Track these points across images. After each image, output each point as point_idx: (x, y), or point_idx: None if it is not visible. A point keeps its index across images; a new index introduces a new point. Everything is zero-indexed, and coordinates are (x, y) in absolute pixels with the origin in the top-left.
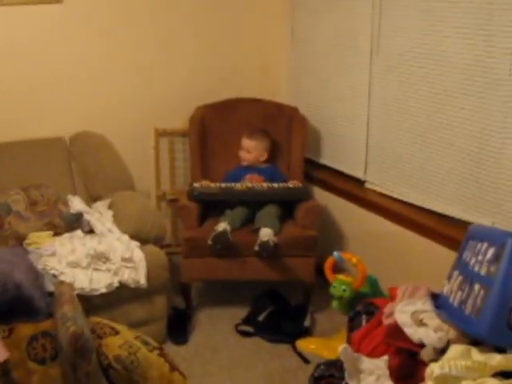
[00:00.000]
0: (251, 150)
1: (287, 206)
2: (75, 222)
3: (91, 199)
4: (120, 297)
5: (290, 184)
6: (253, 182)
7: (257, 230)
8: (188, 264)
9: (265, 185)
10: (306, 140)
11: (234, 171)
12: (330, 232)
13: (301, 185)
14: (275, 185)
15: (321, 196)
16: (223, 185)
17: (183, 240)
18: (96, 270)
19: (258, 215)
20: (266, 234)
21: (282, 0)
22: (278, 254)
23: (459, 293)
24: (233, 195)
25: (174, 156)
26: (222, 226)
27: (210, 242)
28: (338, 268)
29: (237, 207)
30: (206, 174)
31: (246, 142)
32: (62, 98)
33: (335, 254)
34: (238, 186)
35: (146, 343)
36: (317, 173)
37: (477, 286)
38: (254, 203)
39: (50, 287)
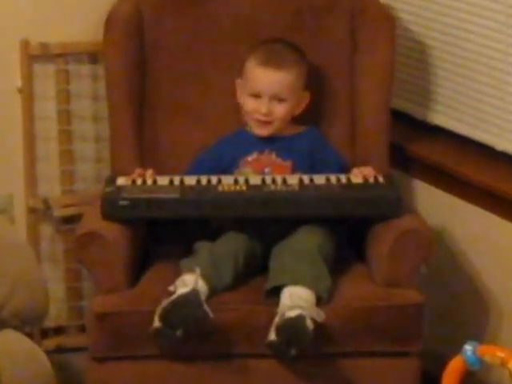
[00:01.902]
0: (282, 93)
1: (345, 226)
2: None
3: None
4: None
5: (356, 175)
6: (267, 174)
7: (274, 291)
8: (103, 374)
9: (294, 179)
10: (392, 70)
11: (222, 146)
12: (452, 289)
13: (381, 179)
14: (318, 179)
15: (428, 202)
16: (190, 181)
17: (92, 319)
18: None
19: (275, 252)
20: (296, 301)
21: None
22: (327, 351)
23: None
24: (215, 208)
25: (67, 114)
26: (189, 282)
27: (156, 325)
28: (471, 377)
29: (226, 234)
30: (149, 156)
31: (267, 77)
32: None
33: (467, 349)
34: (227, 182)
35: None
36: (418, 147)
37: None
38: (266, 224)
39: None
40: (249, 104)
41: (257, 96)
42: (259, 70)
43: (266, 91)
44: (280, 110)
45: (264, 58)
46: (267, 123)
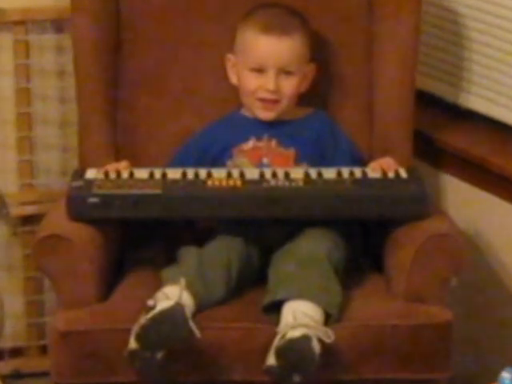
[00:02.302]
0: (290, 65)
1: (359, 230)
2: None
3: None
4: None
5: (373, 169)
6: (266, 166)
7: (274, 307)
8: None
9: (298, 173)
10: (416, 43)
11: (211, 132)
12: (486, 305)
13: (404, 173)
14: (328, 173)
15: (459, 201)
16: (174, 174)
17: (56, 338)
18: None
19: (276, 260)
20: (300, 318)
21: None
22: (337, 379)
23: None
24: (204, 207)
25: (27, 93)
26: (172, 295)
27: (132, 347)
28: None
29: (217, 238)
30: (125, 144)
31: (271, 45)
32: None
33: (504, 377)
34: (219, 176)
35: None
36: (448, 135)
37: None
38: (265, 226)
39: None
40: (250, 81)
41: (260, 70)
42: (261, 38)
43: (271, 63)
44: (288, 85)
45: (265, 24)
46: (274, 102)
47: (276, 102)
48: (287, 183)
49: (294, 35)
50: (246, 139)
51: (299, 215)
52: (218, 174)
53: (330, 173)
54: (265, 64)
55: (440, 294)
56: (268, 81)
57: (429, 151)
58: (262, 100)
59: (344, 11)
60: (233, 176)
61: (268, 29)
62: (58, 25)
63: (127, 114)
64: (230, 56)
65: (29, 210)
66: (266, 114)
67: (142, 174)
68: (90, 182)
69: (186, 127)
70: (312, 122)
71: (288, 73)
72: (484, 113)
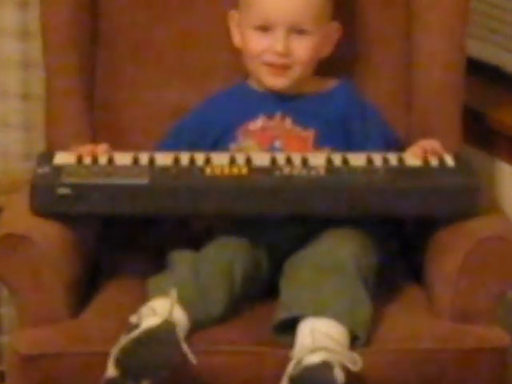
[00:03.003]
0: (304, 22)
1: (395, 231)
2: None
3: None
4: None
5: (413, 155)
6: (279, 150)
7: (287, 326)
8: None
9: (319, 159)
10: None
11: (211, 108)
12: None
13: (451, 160)
14: (356, 159)
15: None
16: (164, 159)
17: (16, 362)
18: None
19: (290, 267)
20: (319, 340)
21: None
22: None
23: None
24: (201, 200)
25: None
26: (161, 310)
27: (111, 373)
28: None
29: (216, 240)
30: (103, 123)
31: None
32: None
33: None
34: (220, 163)
35: None
36: (506, 114)
37: None
38: (276, 225)
39: None
40: (255, 41)
41: (267, 29)
42: None
43: (280, 19)
44: (302, 47)
45: None
46: (284, 68)
47: (286, 67)
48: (305, 172)
49: None
50: (253, 117)
51: (320, 212)
52: (219, 159)
53: (358, 159)
54: (272, 20)
55: (494, 312)
56: (276, 41)
57: (481, 134)
58: (270, 65)
59: None
60: (237, 162)
61: None
62: None
63: (105, 85)
64: (233, 13)
65: None
66: (276, 81)
67: (124, 159)
68: (60, 169)
69: (179, 102)
70: (336, 97)
71: (301, 32)
72: None
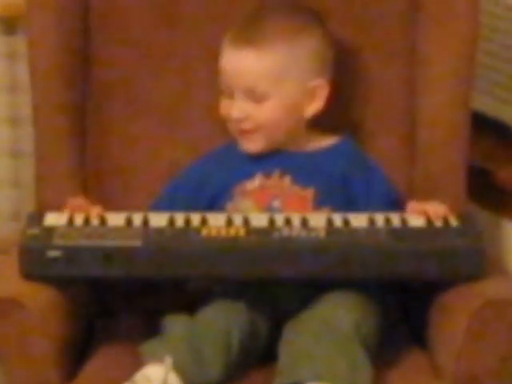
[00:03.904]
0: (259, 85)
1: (396, 293)
2: None
3: None
4: None
5: (416, 215)
6: (277, 210)
7: None
8: None
9: (319, 220)
10: (473, 51)
11: (207, 166)
12: None
13: (455, 221)
14: (357, 220)
15: None
16: (159, 220)
17: None
18: None
19: (288, 332)
20: None
21: None
22: None
23: None
24: (196, 263)
25: None
26: (155, 377)
27: None
28: None
29: (213, 304)
30: (95, 181)
31: (234, 61)
32: None
33: None
34: (216, 224)
35: None
36: None
37: None
38: (275, 289)
39: None
40: (223, 106)
41: (229, 93)
42: (226, 52)
43: (234, 84)
44: (261, 111)
45: (236, 33)
46: (248, 133)
47: (250, 132)
48: (304, 233)
49: (268, 46)
50: (250, 176)
51: (319, 275)
52: (216, 220)
53: (359, 220)
54: (230, 85)
55: (499, 376)
56: (233, 107)
57: (487, 192)
58: (236, 130)
59: (382, 12)
60: (234, 223)
61: (235, 39)
62: (9, 25)
63: (98, 141)
64: None
65: None
66: (248, 145)
67: (117, 219)
68: (50, 230)
69: (175, 158)
70: (337, 154)
71: (259, 95)
72: None
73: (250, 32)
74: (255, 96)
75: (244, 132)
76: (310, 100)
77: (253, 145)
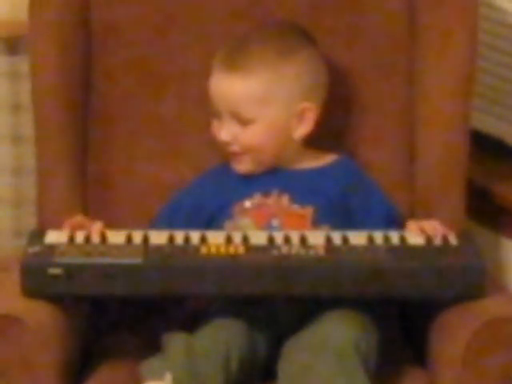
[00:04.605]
0: (243, 110)
1: (396, 311)
2: None
3: None
4: None
5: (415, 233)
6: (276, 229)
7: None
8: None
9: (318, 238)
10: (472, 70)
11: (206, 185)
12: None
13: (454, 239)
14: (356, 238)
15: None
16: (159, 238)
17: None
18: None
19: (288, 350)
20: None
21: None
22: None
23: None
24: (196, 280)
25: None
26: None
27: None
28: None
29: (212, 322)
30: (96, 199)
31: (220, 86)
32: None
33: None
34: (215, 242)
35: None
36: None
37: None
38: (274, 306)
39: None
40: (213, 129)
41: (217, 115)
42: (214, 75)
43: (221, 107)
44: (247, 134)
45: (223, 56)
46: (237, 155)
47: (239, 154)
48: (303, 251)
49: (252, 71)
50: (249, 194)
51: (319, 293)
52: (215, 238)
53: (358, 238)
54: (217, 108)
55: None
56: (221, 130)
57: (486, 210)
58: (227, 152)
59: (378, 30)
60: (234, 241)
61: (221, 64)
62: (12, 45)
63: (99, 160)
64: None
65: None
66: (239, 167)
67: (117, 237)
68: (51, 248)
69: (175, 177)
70: (335, 173)
71: (245, 119)
72: None
73: (235, 56)
74: (241, 119)
75: (233, 154)
76: (297, 123)
77: (243, 166)
